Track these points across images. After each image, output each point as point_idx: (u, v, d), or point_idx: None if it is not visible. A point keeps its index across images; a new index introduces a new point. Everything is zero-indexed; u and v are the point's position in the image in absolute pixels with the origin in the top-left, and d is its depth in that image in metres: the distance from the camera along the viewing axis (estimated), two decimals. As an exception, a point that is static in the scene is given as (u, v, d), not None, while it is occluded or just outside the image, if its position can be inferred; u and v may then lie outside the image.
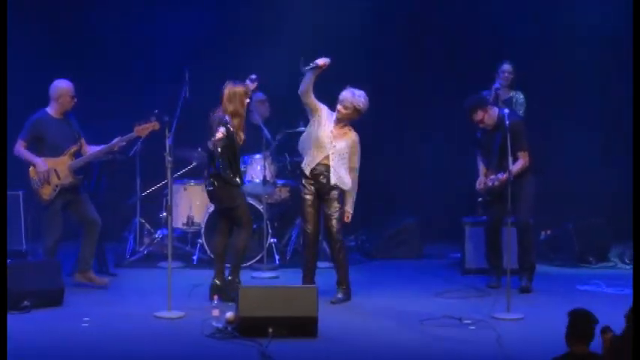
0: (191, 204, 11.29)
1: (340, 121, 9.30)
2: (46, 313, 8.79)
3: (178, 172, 11.19)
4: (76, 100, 9.77)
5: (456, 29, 12.37)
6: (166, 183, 9.28)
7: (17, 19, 11.43)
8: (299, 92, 9.18)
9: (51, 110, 9.75)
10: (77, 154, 9.77)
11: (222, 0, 12.40)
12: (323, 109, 9.31)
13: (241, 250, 9.44)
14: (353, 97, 9.25)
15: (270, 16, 12.36)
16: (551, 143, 12.38)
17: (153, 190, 11.36)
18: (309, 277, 9.41)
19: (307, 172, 9.33)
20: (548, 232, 11.65)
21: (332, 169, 9.27)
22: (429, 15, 12.51)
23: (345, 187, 9.32)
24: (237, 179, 9.33)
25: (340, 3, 12.36)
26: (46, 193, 9.66)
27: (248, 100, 9.36)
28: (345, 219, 9.39)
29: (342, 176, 9.30)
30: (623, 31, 11.85)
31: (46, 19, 12.22)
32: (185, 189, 11.34)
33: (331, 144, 9.28)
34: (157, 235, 11.31)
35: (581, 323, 5.76)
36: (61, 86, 9.77)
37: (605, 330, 5.95)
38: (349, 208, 9.39)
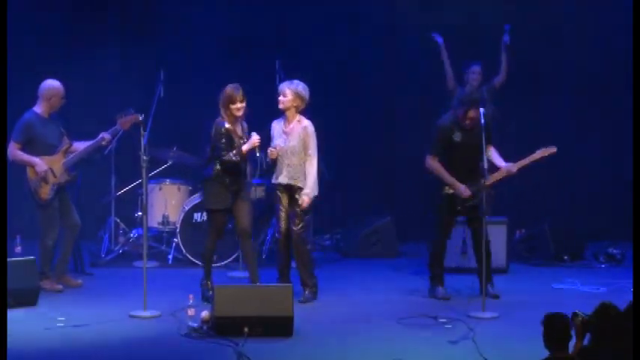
0: (166, 203, 11.26)
1: (287, 112, 9.27)
2: (21, 313, 8.73)
3: (154, 171, 11.15)
4: (64, 100, 9.69)
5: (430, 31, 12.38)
6: (141, 182, 9.25)
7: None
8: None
9: (39, 110, 9.62)
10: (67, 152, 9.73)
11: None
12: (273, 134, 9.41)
13: None
14: (290, 84, 9.27)
15: (242, 21, 12.38)
16: (526, 143, 12.41)
17: (128, 189, 11.32)
18: (284, 276, 9.42)
19: (276, 177, 9.34)
20: (523, 231, 11.69)
21: (285, 168, 9.27)
22: (404, 13, 12.53)
23: (299, 183, 9.25)
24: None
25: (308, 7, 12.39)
26: (45, 192, 9.58)
27: (235, 106, 9.10)
28: (301, 202, 9.26)
29: (295, 173, 9.25)
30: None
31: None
32: (160, 188, 11.30)
33: (284, 142, 9.28)
34: (132, 235, 11.27)
35: (558, 327, 5.73)
36: (54, 86, 9.63)
37: (576, 315, 5.94)
38: (307, 190, 9.23)
